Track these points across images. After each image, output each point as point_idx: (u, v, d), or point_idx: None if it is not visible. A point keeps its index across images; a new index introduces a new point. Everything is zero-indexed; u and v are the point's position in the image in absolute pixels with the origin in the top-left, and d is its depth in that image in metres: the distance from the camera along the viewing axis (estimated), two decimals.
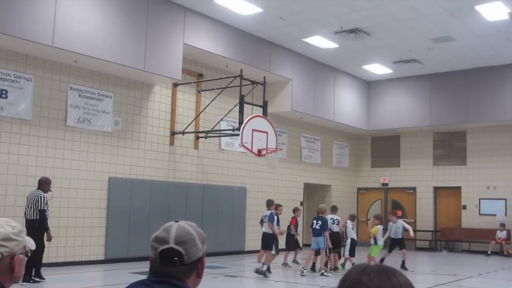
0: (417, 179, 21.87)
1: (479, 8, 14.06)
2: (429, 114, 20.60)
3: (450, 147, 21.30)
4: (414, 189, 22.05)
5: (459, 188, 21.04)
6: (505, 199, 19.99)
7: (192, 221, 2.02)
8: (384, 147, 22.77)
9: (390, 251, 14.31)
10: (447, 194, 21.46)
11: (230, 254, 16.74)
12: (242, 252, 17.39)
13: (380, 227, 13.29)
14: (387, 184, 22.62)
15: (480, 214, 20.59)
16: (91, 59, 12.59)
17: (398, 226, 14.29)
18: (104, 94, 13.87)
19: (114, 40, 12.86)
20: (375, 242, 13.21)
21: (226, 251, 16.67)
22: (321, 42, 17.06)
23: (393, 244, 14.42)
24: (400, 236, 14.29)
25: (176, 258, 1.86)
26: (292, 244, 15.22)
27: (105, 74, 13.87)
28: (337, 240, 13.51)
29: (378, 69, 20.07)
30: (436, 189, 21.70)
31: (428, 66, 19.56)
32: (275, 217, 13.06)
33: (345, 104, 20.78)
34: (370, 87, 21.83)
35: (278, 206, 13.44)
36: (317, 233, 12.77)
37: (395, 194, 22.59)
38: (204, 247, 1.95)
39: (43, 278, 10.48)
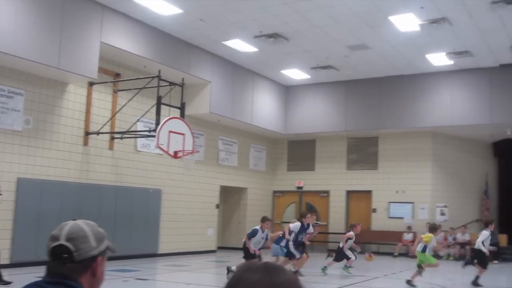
0: (331, 183, 22.40)
1: (392, 18, 14.58)
2: (344, 120, 21.17)
3: (363, 152, 21.98)
4: (327, 192, 22.58)
5: (370, 192, 21.74)
6: (413, 203, 20.85)
7: (105, 224, 2.00)
8: (300, 151, 23.18)
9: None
10: (358, 198, 22.11)
11: (144, 257, 16.48)
12: (155, 255, 17.17)
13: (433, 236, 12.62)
14: (302, 188, 23.02)
15: (389, 217, 21.36)
16: (0, 54, 12.01)
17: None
18: (14, 91, 13.26)
19: (26, 36, 12.32)
20: (423, 250, 12.52)
21: (140, 254, 16.40)
22: (240, 45, 17.14)
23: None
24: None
25: (65, 255, 1.83)
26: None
27: (16, 70, 13.26)
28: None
29: (296, 74, 20.41)
30: (348, 192, 22.31)
31: (344, 73, 20.10)
32: (259, 232, 12.81)
33: (263, 108, 20.99)
34: (288, 92, 22.16)
35: (265, 220, 13.05)
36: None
37: (309, 197, 23.03)
38: (100, 246, 1.92)
39: None
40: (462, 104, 19.15)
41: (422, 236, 12.69)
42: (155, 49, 15.83)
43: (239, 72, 19.54)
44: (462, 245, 19.84)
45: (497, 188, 22.16)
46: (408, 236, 20.27)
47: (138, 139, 16.45)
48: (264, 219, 12.92)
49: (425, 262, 12.43)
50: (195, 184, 19.00)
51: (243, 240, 12.97)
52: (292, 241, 13.15)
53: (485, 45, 16.49)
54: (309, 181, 22.83)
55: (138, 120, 15.92)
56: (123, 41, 14.85)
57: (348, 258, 14.35)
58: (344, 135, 22.07)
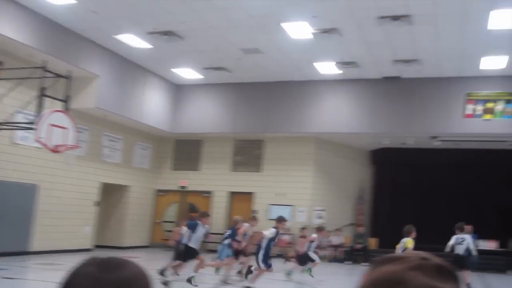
0: (215, 184, 22.45)
1: (285, 25, 14.88)
2: (233, 122, 21.30)
3: (248, 154, 22.25)
4: (210, 193, 22.60)
5: (252, 193, 22.05)
6: (292, 206, 21.42)
7: None
8: (187, 150, 23.02)
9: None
10: (241, 199, 22.34)
11: (13, 255, 15.59)
12: (27, 253, 16.29)
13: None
14: (185, 187, 22.86)
15: (269, 219, 21.75)
16: None
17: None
18: None
19: None
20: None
21: (8, 252, 15.50)
22: (133, 41, 16.68)
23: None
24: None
25: None
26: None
27: None
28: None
29: (188, 73, 20.23)
30: (231, 194, 22.49)
31: (236, 75, 20.22)
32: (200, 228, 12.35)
33: (153, 106, 20.59)
34: (179, 91, 21.90)
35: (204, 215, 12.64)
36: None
37: (192, 197, 22.93)
38: None
39: None
40: (345, 113, 19.99)
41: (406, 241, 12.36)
42: (43, 38, 14.99)
43: (130, 67, 19.02)
44: (336, 247, 20.71)
45: (372, 194, 23.37)
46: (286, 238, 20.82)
47: (17, 131, 15.47)
48: (204, 214, 12.64)
49: None
50: (75, 180, 18.24)
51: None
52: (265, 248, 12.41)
53: (371, 58, 17.33)
54: (193, 181, 22.73)
55: (17, 112, 14.97)
56: (8, 27, 13.93)
57: (312, 261, 14.59)
58: (231, 137, 22.21)
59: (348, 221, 22.36)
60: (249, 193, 22.09)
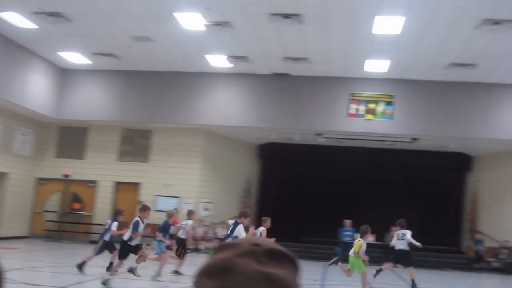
0: (100, 173, 21.86)
1: (177, 15, 14.73)
2: (120, 110, 20.81)
3: (136, 144, 21.86)
4: (95, 182, 22.00)
5: (139, 184, 21.71)
6: (179, 197, 21.34)
7: None
8: (72, 138, 22.19)
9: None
10: (127, 189, 21.92)
11: None
12: None
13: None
14: (69, 176, 22.07)
15: (155, 210, 21.53)
16: None
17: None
18: None
19: None
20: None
21: None
22: (17, 20, 15.80)
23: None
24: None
25: None
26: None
27: None
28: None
29: (76, 58, 19.48)
30: (117, 183, 22.01)
31: (126, 63, 19.74)
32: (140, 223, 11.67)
33: (36, 90, 19.63)
34: (65, 75, 21.00)
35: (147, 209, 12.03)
36: None
37: (76, 186, 22.20)
38: None
39: None
40: (235, 106, 20.19)
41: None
42: None
43: (12, 48, 18.01)
44: (222, 239, 20.88)
45: (258, 187, 23.80)
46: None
47: None
48: (145, 208, 12.08)
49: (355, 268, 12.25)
50: None
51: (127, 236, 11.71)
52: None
53: (262, 53, 17.61)
54: (77, 169, 21.98)
55: None
56: None
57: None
58: (119, 126, 21.71)
59: (235, 214, 22.57)
60: (136, 184, 21.74)
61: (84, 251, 15.49)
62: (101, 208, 21.80)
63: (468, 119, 19.30)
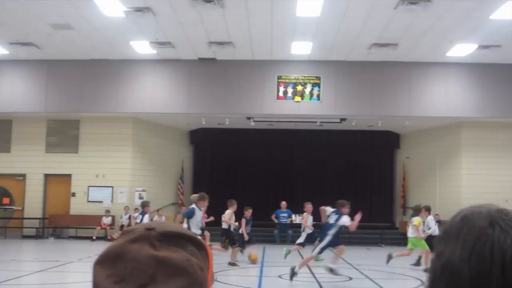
0: (28, 166, 21.28)
1: (96, 1, 14.40)
2: (44, 101, 20.23)
3: (63, 134, 21.35)
4: (24, 175, 21.43)
5: (69, 175, 21.28)
6: (112, 187, 21.06)
7: None
8: None
9: None
10: (57, 182, 21.46)
11: None
12: None
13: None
14: None
15: (88, 201, 21.23)
16: None
17: None
18: None
19: None
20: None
21: None
22: None
23: None
24: None
25: None
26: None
27: None
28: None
29: None
30: (46, 176, 21.51)
31: (47, 52, 19.14)
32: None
33: None
34: None
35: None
36: None
37: (3, 181, 21.57)
38: None
39: None
40: (163, 93, 19.99)
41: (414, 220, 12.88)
42: None
43: None
44: None
45: (192, 173, 23.72)
46: (107, 220, 20.47)
47: None
48: (204, 197, 12.10)
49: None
50: None
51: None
52: None
53: (186, 39, 17.45)
54: (4, 163, 21.31)
55: None
56: None
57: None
58: (44, 117, 21.15)
59: (170, 201, 22.51)
60: (67, 175, 21.29)
61: (17, 246, 15.14)
62: (32, 201, 21.30)
63: (394, 97, 19.75)
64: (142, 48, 18.44)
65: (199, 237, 0.96)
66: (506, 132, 20.75)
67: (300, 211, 21.05)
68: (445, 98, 19.68)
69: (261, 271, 12.30)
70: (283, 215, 20.89)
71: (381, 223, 21.12)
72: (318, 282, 10.99)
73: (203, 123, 21.15)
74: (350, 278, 11.44)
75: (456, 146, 21.09)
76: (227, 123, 21.01)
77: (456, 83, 19.80)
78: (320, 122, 20.74)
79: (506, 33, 16.20)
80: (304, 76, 19.89)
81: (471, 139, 20.83)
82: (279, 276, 11.64)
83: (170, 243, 0.90)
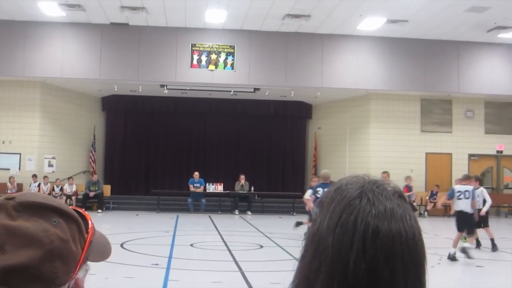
0: None
1: None
2: None
3: None
4: None
5: None
6: (20, 154, 20.28)
7: None
8: None
9: None
10: None
11: None
12: None
13: None
14: None
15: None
16: None
17: None
18: None
19: None
20: None
21: None
22: None
23: None
24: None
25: None
26: None
27: None
28: None
29: None
30: None
31: None
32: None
33: None
34: None
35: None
36: None
37: None
38: None
39: None
40: (73, 58, 19.30)
41: None
42: None
43: None
44: (69, 196, 20.22)
45: (104, 141, 23.20)
46: (11, 188, 19.74)
47: None
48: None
49: None
50: None
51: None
52: None
53: (97, 2, 16.86)
54: None
55: None
56: None
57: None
58: None
59: (81, 169, 21.98)
60: None
61: None
62: None
63: (306, 69, 20.09)
64: (51, 9, 17.67)
65: (71, 208, 0.94)
66: (411, 104, 21.69)
67: (213, 180, 21.24)
68: (355, 71, 20.24)
69: (173, 240, 12.33)
70: (197, 185, 20.95)
71: (293, 192, 21.60)
72: (229, 250, 11.17)
73: (116, 89, 20.69)
74: (261, 246, 11.70)
75: (365, 117, 21.82)
76: (140, 90, 20.66)
77: (366, 56, 20.40)
78: (234, 91, 20.81)
79: (413, 8, 16.81)
80: (218, 45, 19.82)
81: (379, 110, 21.62)
82: (191, 245, 11.74)
83: (30, 213, 0.88)
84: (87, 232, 0.94)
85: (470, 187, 10.98)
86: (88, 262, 0.96)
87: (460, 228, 10.78)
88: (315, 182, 13.32)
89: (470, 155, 22.08)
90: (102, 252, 1.01)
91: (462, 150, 21.93)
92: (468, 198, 10.79)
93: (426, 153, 21.75)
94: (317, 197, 10.96)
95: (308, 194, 13.23)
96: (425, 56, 20.46)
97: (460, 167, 21.40)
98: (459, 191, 10.91)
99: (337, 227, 0.90)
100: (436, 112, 21.92)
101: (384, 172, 15.67)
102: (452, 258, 10.27)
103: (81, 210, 0.98)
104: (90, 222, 0.96)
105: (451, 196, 11.14)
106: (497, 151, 22.09)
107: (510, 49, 20.76)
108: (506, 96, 21.23)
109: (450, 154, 21.92)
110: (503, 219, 13.09)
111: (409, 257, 0.88)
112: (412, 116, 21.76)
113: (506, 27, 18.60)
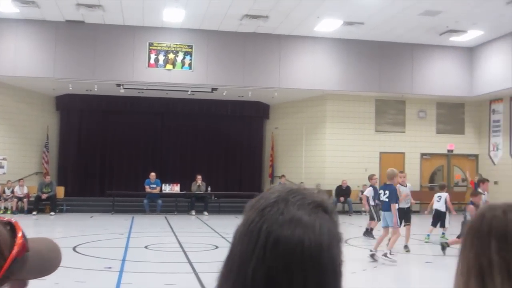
0: None
1: None
2: None
3: None
4: None
5: None
6: None
7: None
8: None
9: None
10: None
11: None
12: None
13: None
14: None
15: None
16: None
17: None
18: None
19: None
20: None
21: None
22: None
23: None
24: None
25: None
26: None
27: None
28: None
29: None
30: None
31: None
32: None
33: None
34: None
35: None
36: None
37: None
38: None
39: None
40: (26, 56, 18.85)
41: None
42: None
43: None
44: (20, 198, 19.74)
45: (58, 142, 22.72)
46: None
47: None
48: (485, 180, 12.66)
49: None
50: None
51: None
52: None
53: None
54: None
55: None
56: None
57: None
58: None
59: (33, 170, 21.50)
60: None
61: None
62: None
63: (264, 69, 20.15)
64: (4, 5, 17.21)
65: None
66: (366, 105, 22.03)
67: (170, 180, 21.07)
68: (312, 71, 20.42)
69: (128, 242, 12.19)
70: (153, 186, 20.76)
71: (250, 192, 21.60)
72: (184, 251, 11.12)
73: (70, 88, 20.31)
74: (216, 247, 11.68)
75: (321, 117, 22.06)
76: (96, 89, 20.34)
77: (323, 57, 20.61)
78: (192, 91, 20.71)
79: (369, 11, 17.06)
80: (176, 44, 19.70)
81: (335, 111, 21.89)
82: (146, 247, 11.62)
83: None
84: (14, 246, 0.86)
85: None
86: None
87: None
88: (374, 180, 13.71)
89: (422, 154, 22.58)
90: (42, 267, 0.93)
91: (415, 150, 22.41)
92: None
93: (380, 153, 22.13)
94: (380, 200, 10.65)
95: (368, 192, 13.51)
96: (380, 57, 20.81)
97: (412, 166, 21.92)
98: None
99: (246, 232, 0.91)
100: (390, 112, 22.33)
101: (401, 172, 15.43)
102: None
103: (13, 221, 0.91)
104: (19, 235, 0.88)
105: None
106: (448, 150, 22.65)
107: (461, 52, 21.31)
108: (456, 97, 21.81)
109: (403, 153, 22.36)
110: (454, 216, 13.45)
111: (311, 267, 0.87)
112: (367, 116, 22.10)
113: (457, 31, 19.06)
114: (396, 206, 10.17)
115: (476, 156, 22.98)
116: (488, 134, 22.46)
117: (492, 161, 22.16)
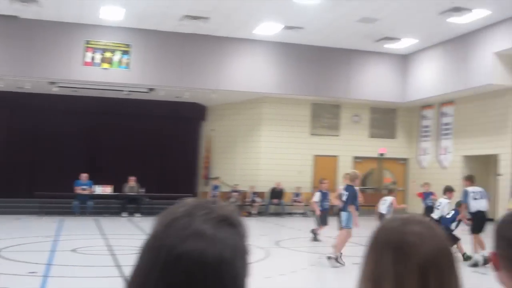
0: None
1: None
2: None
3: None
4: None
5: None
6: None
7: None
8: None
9: None
10: None
11: None
12: None
13: None
14: None
15: None
16: None
17: None
18: None
19: None
20: None
21: None
22: None
23: None
24: None
25: None
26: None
27: None
28: None
29: None
30: None
31: None
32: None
33: None
34: None
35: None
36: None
37: None
38: None
39: None
40: None
41: None
42: None
43: None
44: None
45: None
46: None
47: None
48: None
49: None
50: None
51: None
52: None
53: None
54: None
55: None
56: None
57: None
58: None
59: None
60: None
61: None
62: None
63: (202, 70, 20.09)
64: None
65: None
66: (302, 108, 22.34)
67: (103, 182, 20.57)
68: (251, 74, 20.53)
69: (54, 246, 11.88)
70: (84, 187, 20.25)
71: (184, 194, 21.47)
72: (113, 254, 10.94)
73: (1, 86, 19.60)
74: None
75: (257, 120, 22.22)
76: (28, 87, 19.72)
77: (262, 60, 20.76)
78: (128, 91, 20.41)
79: (308, 15, 17.31)
80: (114, 43, 19.37)
81: (272, 113, 22.12)
82: (73, 250, 11.36)
83: None
84: None
85: (481, 189, 10.93)
86: None
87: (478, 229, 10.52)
88: (325, 185, 13.61)
89: (355, 158, 23.08)
90: None
91: (348, 153, 22.90)
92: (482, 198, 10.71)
93: (314, 155, 22.48)
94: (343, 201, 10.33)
95: (316, 197, 13.42)
96: (318, 62, 21.14)
97: (345, 169, 22.27)
98: (473, 192, 10.77)
99: (149, 251, 0.91)
100: (325, 116, 22.74)
101: (426, 184, 15.52)
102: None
103: None
104: None
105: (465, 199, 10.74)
106: (379, 154, 23.24)
107: (395, 59, 21.94)
108: (389, 102, 22.45)
109: (337, 156, 22.79)
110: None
111: (212, 282, 0.87)
112: (303, 119, 22.42)
113: (392, 38, 19.62)
114: (354, 207, 10.21)
115: (406, 160, 23.72)
116: (418, 139, 23.23)
117: (421, 165, 22.91)
